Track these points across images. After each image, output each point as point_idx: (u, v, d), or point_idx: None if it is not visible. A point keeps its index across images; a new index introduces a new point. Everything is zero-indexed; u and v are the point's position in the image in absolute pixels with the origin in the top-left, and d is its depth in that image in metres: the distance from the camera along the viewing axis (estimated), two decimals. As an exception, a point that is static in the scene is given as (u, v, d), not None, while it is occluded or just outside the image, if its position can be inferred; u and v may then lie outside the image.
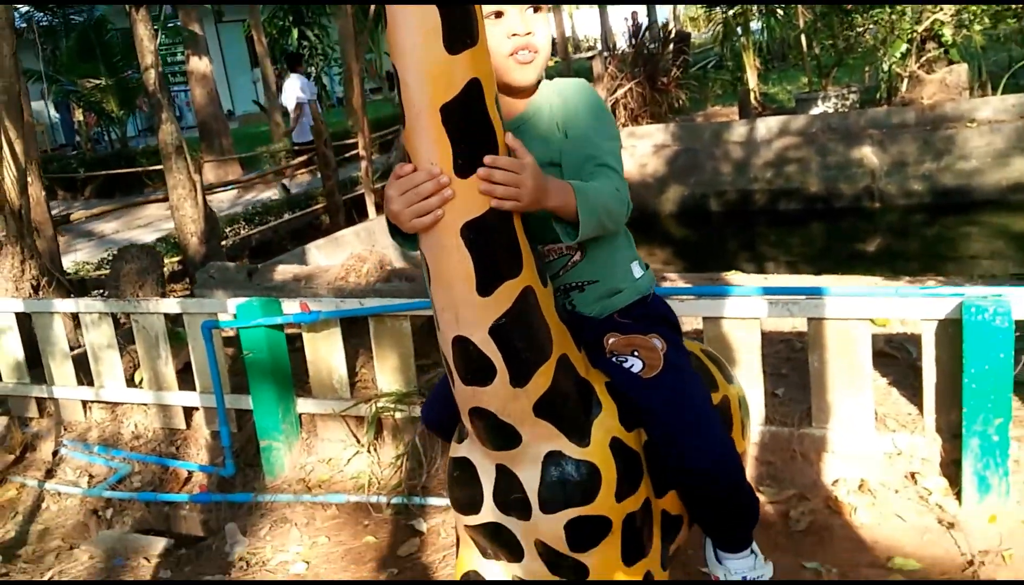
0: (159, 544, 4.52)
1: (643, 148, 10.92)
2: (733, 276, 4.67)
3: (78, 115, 19.71)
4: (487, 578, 1.80)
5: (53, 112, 23.73)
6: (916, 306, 3.18)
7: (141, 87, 17.21)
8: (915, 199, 9.24)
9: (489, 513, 1.69)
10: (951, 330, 3.08)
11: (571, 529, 1.62)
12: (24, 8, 18.54)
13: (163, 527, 4.86)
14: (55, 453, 5.38)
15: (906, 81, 10.28)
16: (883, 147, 9.33)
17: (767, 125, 10.15)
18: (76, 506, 5.04)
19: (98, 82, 16.82)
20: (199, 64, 14.42)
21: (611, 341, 1.75)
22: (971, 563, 2.90)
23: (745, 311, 3.46)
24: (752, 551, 1.85)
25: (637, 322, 1.79)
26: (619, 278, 1.82)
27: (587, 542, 1.64)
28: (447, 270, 1.48)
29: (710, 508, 1.76)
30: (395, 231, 1.55)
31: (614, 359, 1.73)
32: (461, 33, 1.39)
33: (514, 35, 1.68)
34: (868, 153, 9.41)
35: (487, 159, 1.46)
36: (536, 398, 1.56)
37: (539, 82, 1.78)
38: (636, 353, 1.73)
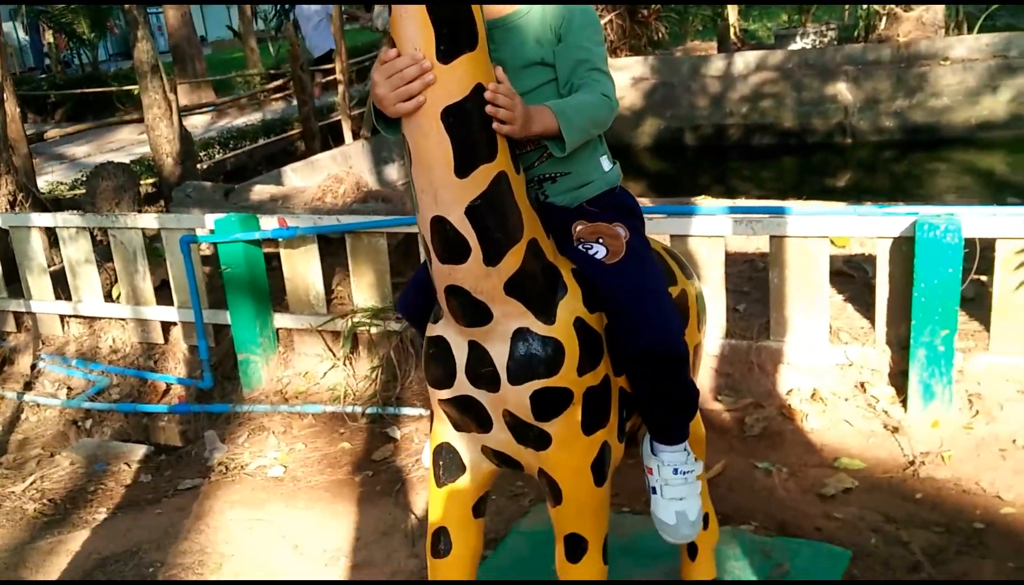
0: (139, 450, 4.65)
1: (621, 81, 10.90)
2: (703, 200, 4.80)
3: (48, 37, 19.27)
4: (458, 448, 1.94)
5: (22, 34, 23.18)
6: (873, 224, 3.32)
7: (113, 9, 16.90)
8: (886, 135, 9.36)
9: (461, 386, 1.81)
10: (904, 248, 3.22)
11: (536, 399, 1.75)
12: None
13: (142, 437, 4.98)
14: (33, 366, 5.47)
15: (884, 19, 10.32)
16: (857, 83, 9.41)
17: (745, 60, 10.17)
18: (55, 417, 5.15)
19: (69, 3, 16.44)
20: (172, -14, 14.13)
21: (578, 229, 1.86)
22: (912, 463, 3.10)
23: (710, 229, 3.59)
24: (686, 449, 1.99)
25: (604, 211, 1.89)
26: (589, 171, 1.92)
27: (550, 412, 1.77)
28: (427, 152, 1.59)
29: (654, 391, 1.89)
30: (379, 116, 1.65)
31: (580, 246, 1.84)
32: None
33: None
34: (843, 89, 9.49)
35: (491, 86, 1.58)
36: (507, 277, 1.68)
37: None
38: (601, 240, 1.84)
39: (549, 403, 1.76)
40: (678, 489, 1.97)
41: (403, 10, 1.52)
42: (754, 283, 4.12)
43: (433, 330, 1.86)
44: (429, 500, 1.98)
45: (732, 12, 12.97)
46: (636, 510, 2.98)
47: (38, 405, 5.19)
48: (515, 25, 1.84)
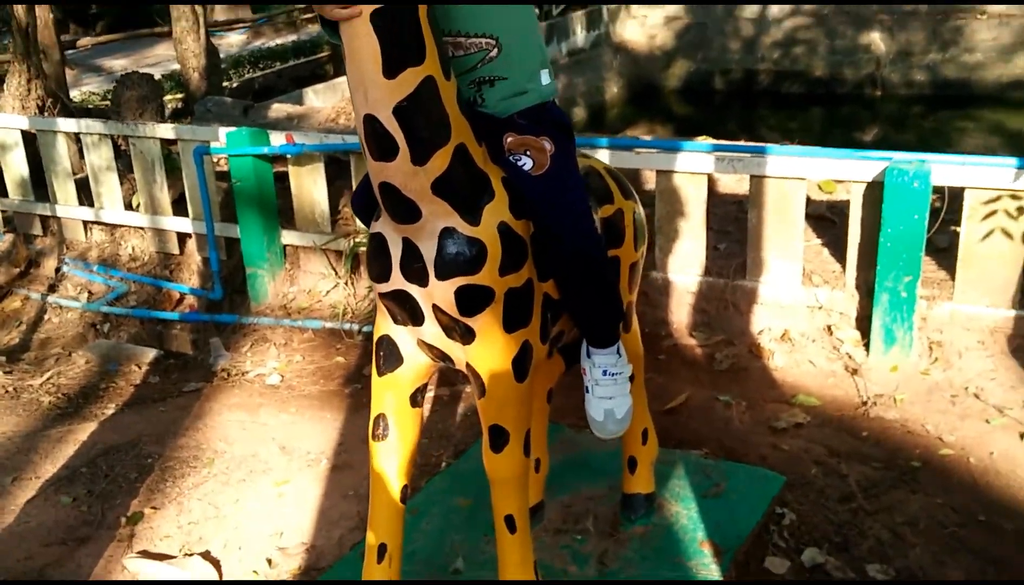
0: (150, 353, 4.90)
1: (654, 18, 10.83)
2: (704, 141, 4.85)
3: (92, -53, 19.36)
4: (397, 341, 2.11)
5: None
6: (848, 167, 3.40)
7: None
8: (916, 89, 9.25)
9: (396, 280, 1.97)
10: (877, 193, 3.30)
11: (460, 295, 1.90)
12: None
13: (155, 343, 5.22)
14: (57, 270, 5.72)
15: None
16: (891, 34, 9.27)
17: (780, 4, 10.03)
18: (76, 319, 5.41)
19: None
20: (214, -98, 14.12)
21: (508, 140, 1.98)
22: (864, 403, 3.23)
23: (694, 166, 3.68)
24: (617, 352, 2.14)
25: (533, 125, 2.00)
26: (527, 79, 2.02)
27: (473, 308, 1.92)
28: (358, 53, 1.72)
29: (578, 295, 2.04)
30: (322, 20, 1.78)
31: (510, 157, 1.97)
32: None
33: None
34: (876, 39, 9.35)
35: None
36: (434, 177, 1.82)
37: None
38: (528, 153, 1.97)
39: (472, 299, 1.91)
40: (607, 389, 2.13)
41: None
42: (738, 223, 4.20)
43: (374, 227, 2.01)
44: (372, 389, 2.15)
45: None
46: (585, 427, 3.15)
47: (60, 307, 5.45)
48: None
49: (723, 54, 10.35)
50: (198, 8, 7.00)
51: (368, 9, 1.67)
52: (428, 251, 1.89)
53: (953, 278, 3.41)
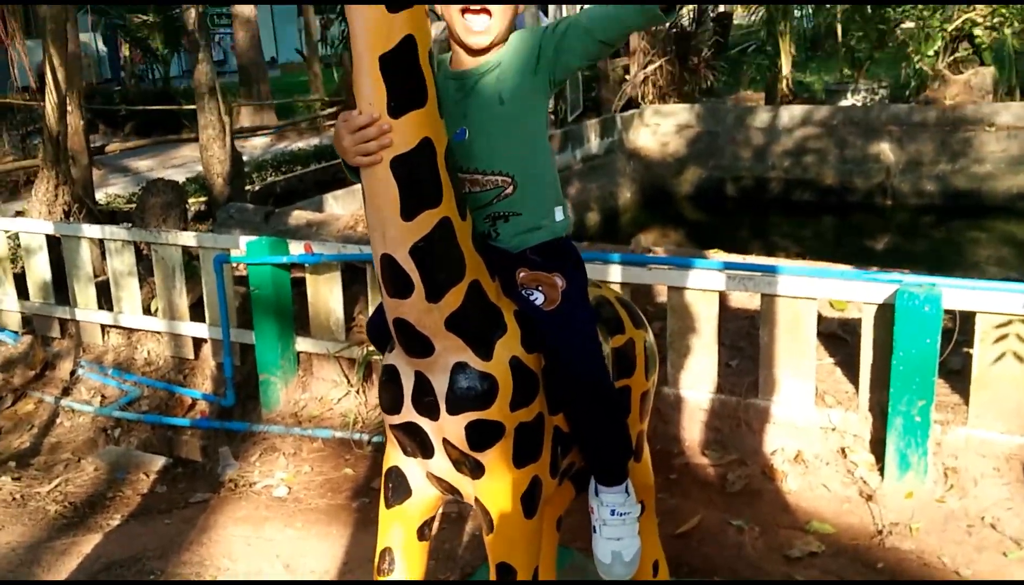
0: (159, 462, 4.88)
1: (666, 127, 11.09)
2: (715, 254, 4.91)
3: (124, 51, 20.10)
4: (406, 472, 2.10)
5: (101, 45, 24.17)
6: (858, 289, 3.42)
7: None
8: (927, 199, 9.36)
9: (407, 413, 1.98)
10: (888, 315, 3.30)
11: (470, 430, 1.91)
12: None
13: (165, 449, 5.20)
14: (73, 373, 5.75)
15: (935, 80, 10.33)
16: (901, 144, 9.44)
17: (791, 113, 10.27)
18: (87, 423, 5.40)
19: (146, 18, 17.20)
20: (243, 9, 14.69)
21: (521, 275, 2.02)
22: (880, 532, 3.16)
23: (705, 283, 3.71)
24: (626, 490, 2.12)
25: (546, 260, 2.04)
26: (541, 215, 2.06)
27: (483, 443, 1.92)
28: (377, 196, 1.78)
29: (587, 430, 2.04)
30: (344, 164, 1.84)
31: (523, 291, 2.00)
32: None
33: (466, 11, 1.91)
34: (886, 149, 9.52)
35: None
36: (447, 314, 1.85)
37: (498, 41, 1.98)
38: (540, 288, 2.00)
39: (482, 434, 1.92)
40: (615, 529, 2.10)
41: (359, 68, 1.71)
42: (751, 339, 4.20)
43: (387, 359, 2.04)
44: (379, 520, 2.13)
45: (786, 63, 13.06)
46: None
47: (73, 410, 5.45)
48: (491, 72, 1.98)
49: (734, 162, 10.55)
50: (224, 117, 7.22)
51: (388, 155, 1.73)
52: (440, 385, 1.91)
53: (967, 402, 3.38)
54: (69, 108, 6.26)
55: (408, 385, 1.96)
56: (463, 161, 1.94)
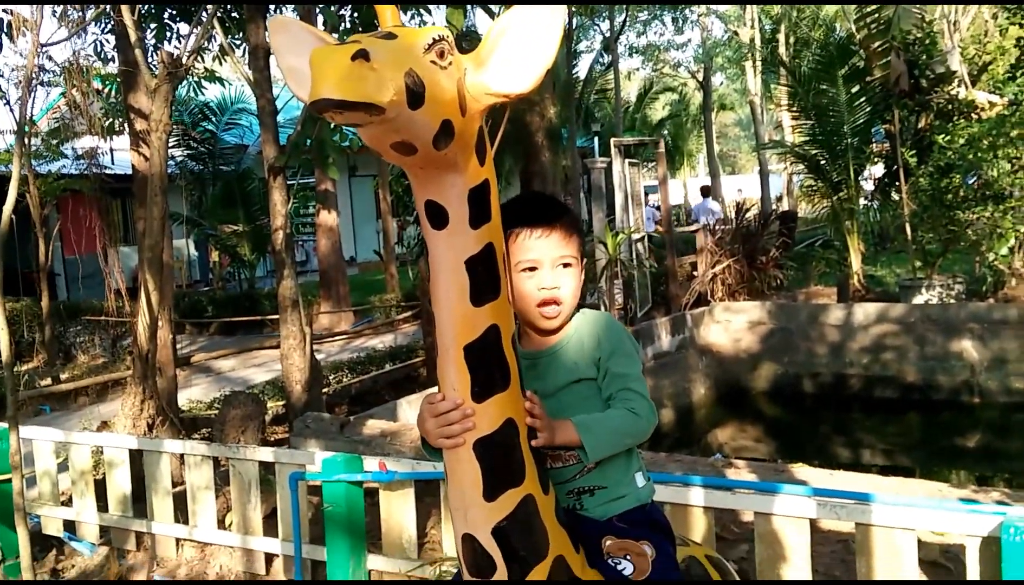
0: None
1: (737, 323, 11.07)
2: (799, 469, 4.74)
3: (214, 256, 21.32)
4: None
5: (192, 250, 25.70)
6: (958, 521, 3.22)
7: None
8: (1016, 397, 9.02)
9: None
10: (994, 548, 3.09)
11: None
12: (179, 157, 20.53)
13: (232, 667, 5.07)
14: None
15: (1013, 278, 10.20)
16: (983, 342, 9.22)
17: (865, 311, 10.18)
18: (158, 637, 5.32)
19: (236, 228, 18.31)
20: (327, 218, 15.60)
21: (608, 544, 1.98)
22: None
23: (794, 510, 3.55)
24: None
25: (633, 528, 2.00)
26: (623, 485, 2.05)
27: None
28: (460, 477, 1.78)
29: None
30: (424, 443, 1.85)
31: (609, 561, 1.95)
32: (485, 290, 1.74)
33: (542, 288, 2.01)
34: (968, 347, 9.30)
35: (528, 404, 1.84)
36: None
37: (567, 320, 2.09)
38: (628, 557, 1.95)
39: None
40: None
41: (444, 356, 1.75)
42: (846, 565, 3.98)
43: None
44: None
45: (856, 259, 13.10)
46: None
47: (144, 624, 5.39)
48: (557, 352, 2.06)
49: (810, 358, 10.41)
50: (305, 328, 7.47)
51: (471, 438, 1.75)
52: None
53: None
54: (160, 324, 6.56)
55: None
56: None
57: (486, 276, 1.75)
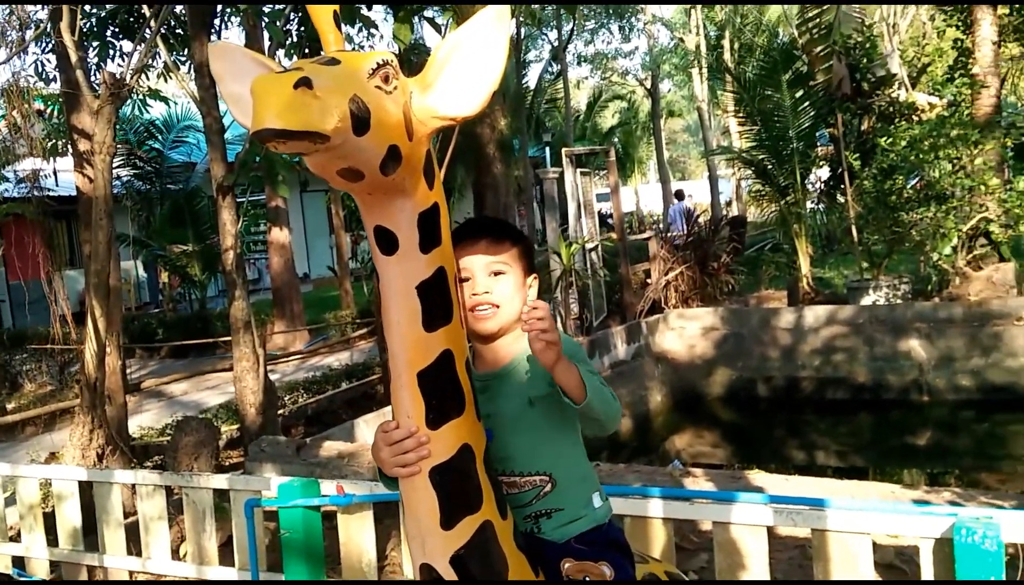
0: None
1: (691, 330, 11.18)
2: (755, 475, 4.79)
3: (163, 277, 20.95)
4: None
5: (141, 271, 25.24)
6: (912, 524, 3.27)
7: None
8: (964, 394, 9.22)
9: None
10: (947, 549, 3.15)
11: None
12: (125, 176, 20.16)
13: None
14: (97, 620, 5.57)
15: (957, 277, 10.43)
16: (931, 341, 9.42)
17: (815, 313, 10.34)
18: (111, 674, 5.18)
19: (185, 248, 18.03)
20: (279, 235, 15.43)
21: (567, 566, 1.97)
22: None
23: (751, 518, 3.58)
24: None
25: (591, 549, 2.00)
26: (581, 506, 2.05)
27: None
28: (416, 505, 1.76)
29: None
30: (380, 472, 1.83)
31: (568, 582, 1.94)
32: (437, 315, 1.72)
33: (474, 294, 2.01)
34: (916, 346, 9.49)
35: (526, 310, 1.81)
36: None
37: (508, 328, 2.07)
38: (587, 579, 1.95)
39: None
40: None
41: (396, 383, 1.73)
42: (804, 572, 4.02)
43: None
44: None
45: (804, 262, 13.30)
46: None
47: (96, 660, 5.25)
48: (510, 372, 2.04)
49: (763, 362, 10.55)
50: (259, 350, 7.37)
51: (427, 466, 1.73)
52: None
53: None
54: (108, 350, 6.42)
55: None
56: (499, 465, 1.94)
57: (438, 301, 1.73)
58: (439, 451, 1.74)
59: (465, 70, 1.71)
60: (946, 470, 8.38)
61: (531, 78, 32.03)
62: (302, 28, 8.42)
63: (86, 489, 5.74)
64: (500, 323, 2.04)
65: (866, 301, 11.22)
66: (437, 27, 9.31)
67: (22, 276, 17.82)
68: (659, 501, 3.84)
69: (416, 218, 1.72)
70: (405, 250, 1.72)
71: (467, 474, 1.76)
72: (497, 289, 2.03)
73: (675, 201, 22.68)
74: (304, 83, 1.42)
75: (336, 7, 1.68)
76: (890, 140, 11.09)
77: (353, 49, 1.73)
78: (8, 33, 9.68)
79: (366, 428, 7.47)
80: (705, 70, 32.57)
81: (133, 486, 5.60)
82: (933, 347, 9.39)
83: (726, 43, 32.85)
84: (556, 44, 27.63)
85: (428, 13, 8.18)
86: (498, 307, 2.02)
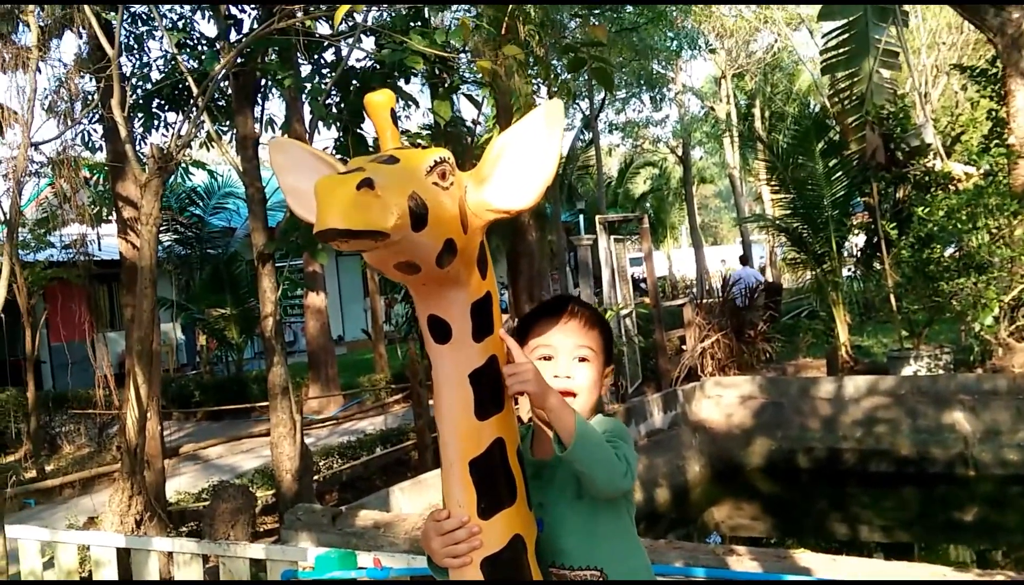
0: None
1: (729, 398, 11.05)
2: (801, 554, 4.67)
3: (201, 340, 21.20)
4: None
5: (180, 334, 25.55)
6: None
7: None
8: (1011, 469, 8.97)
9: None
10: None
11: None
12: (166, 241, 20.57)
13: None
14: None
15: (1000, 348, 10.25)
16: (975, 413, 9.22)
17: (855, 384, 10.19)
18: None
19: (223, 312, 18.27)
20: (315, 299, 15.61)
21: None
22: None
23: (799, 603, 3.50)
24: None
25: None
26: None
27: None
28: None
29: None
30: (429, 561, 1.82)
31: None
32: (489, 404, 1.73)
33: (556, 377, 2.00)
34: (960, 418, 9.29)
35: (507, 368, 1.81)
36: None
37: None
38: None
39: None
40: None
41: (448, 472, 1.74)
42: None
43: None
44: None
45: (843, 331, 13.16)
46: None
47: None
48: (564, 462, 2.02)
49: (803, 433, 10.37)
50: (296, 416, 7.40)
51: (478, 557, 1.73)
52: None
53: None
54: (148, 415, 6.49)
55: None
56: (551, 557, 1.92)
57: (490, 389, 1.75)
58: (491, 542, 1.74)
59: (519, 164, 1.75)
60: (994, 547, 8.12)
61: (564, 145, 32.37)
62: (342, 102, 8.64)
63: (124, 556, 5.75)
64: (578, 410, 2.01)
65: (907, 371, 11.04)
66: (476, 103, 9.50)
67: (64, 337, 18.16)
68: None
69: (470, 308, 1.75)
70: (458, 339, 1.74)
71: (518, 565, 1.76)
72: (579, 375, 2.02)
73: (740, 266, 22.18)
74: (366, 184, 1.46)
75: (393, 104, 1.74)
76: (927, 209, 11.03)
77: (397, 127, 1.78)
78: (57, 104, 10.02)
79: (401, 496, 7.43)
80: (736, 138, 32.76)
81: (170, 554, 5.61)
82: (978, 420, 9.18)
83: (756, 111, 33.09)
84: (588, 113, 27.98)
85: (465, 89, 8.35)
86: (575, 395, 2.01)
